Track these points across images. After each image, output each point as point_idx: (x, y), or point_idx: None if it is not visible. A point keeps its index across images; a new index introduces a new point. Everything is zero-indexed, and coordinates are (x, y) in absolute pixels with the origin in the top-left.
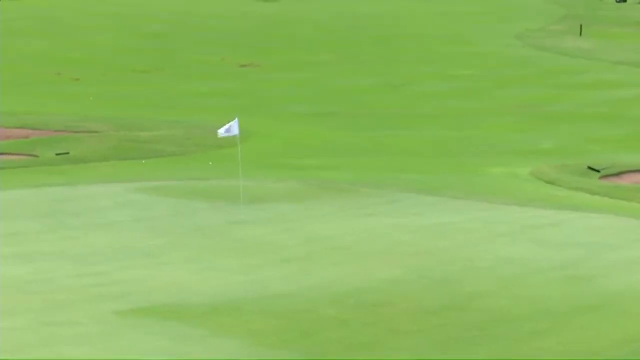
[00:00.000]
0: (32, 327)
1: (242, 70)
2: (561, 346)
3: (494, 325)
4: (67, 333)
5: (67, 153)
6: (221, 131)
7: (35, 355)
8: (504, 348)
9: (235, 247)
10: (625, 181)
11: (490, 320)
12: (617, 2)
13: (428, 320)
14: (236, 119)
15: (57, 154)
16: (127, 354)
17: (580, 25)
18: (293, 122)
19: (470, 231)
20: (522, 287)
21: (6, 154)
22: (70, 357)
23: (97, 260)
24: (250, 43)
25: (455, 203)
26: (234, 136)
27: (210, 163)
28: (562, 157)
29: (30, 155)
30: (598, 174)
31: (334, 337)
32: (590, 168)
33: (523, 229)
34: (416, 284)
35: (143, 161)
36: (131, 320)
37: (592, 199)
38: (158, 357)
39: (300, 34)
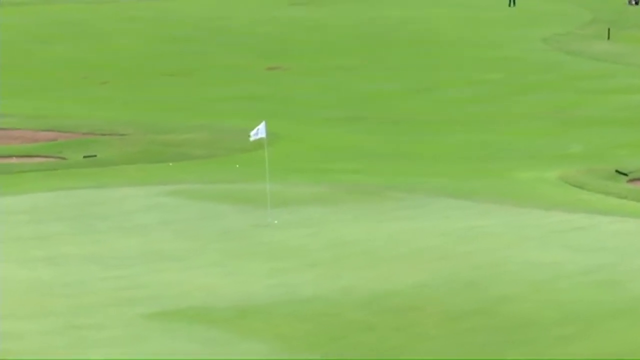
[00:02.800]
0: (59, 330)
1: (270, 73)
2: (589, 351)
3: (522, 330)
4: (94, 336)
5: (95, 156)
6: (252, 134)
7: (62, 358)
8: (532, 353)
9: (262, 251)
10: None
11: (518, 325)
12: (629, 4)
13: (455, 325)
14: (263, 122)
15: (84, 157)
16: (154, 357)
17: (608, 29)
18: (320, 126)
19: (498, 235)
20: (550, 292)
21: (34, 156)
22: None
23: (125, 264)
24: (277, 47)
25: (483, 207)
26: (262, 139)
27: (238, 166)
28: (590, 162)
29: (58, 157)
30: (626, 178)
31: (361, 342)
32: (618, 172)
33: (551, 233)
34: (443, 288)
35: (170, 164)
36: (159, 324)
37: (620, 202)
38: None
39: (328, 38)
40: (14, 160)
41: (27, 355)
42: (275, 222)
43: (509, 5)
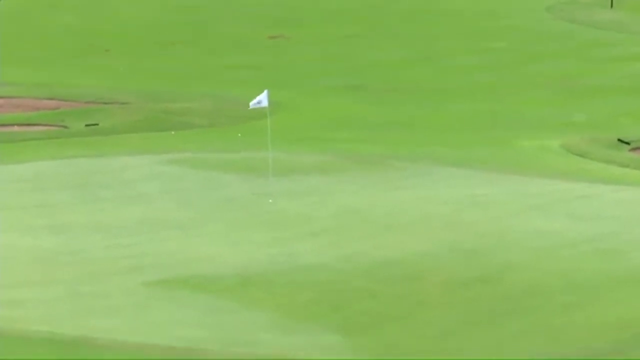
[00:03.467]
0: (63, 298)
1: (272, 42)
2: (592, 319)
3: (525, 298)
4: (97, 304)
5: (97, 124)
6: (252, 104)
7: (65, 327)
8: (535, 321)
9: (265, 220)
10: None
11: (522, 293)
12: None
13: (459, 293)
14: (266, 91)
15: (86, 125)
16: (157, 325)
17: None
18: (323, 95)
19: (501, 204)
20: (553, 260)
21: (36, 125)
22: (100, 328)
23: (127, 232)
24: (280, 15)
25: (487, 176)
26: (264, 108)
27: (240, 135)
28: (594, 131)
29: (60, 126)
30: (628, 147)
31: (364, 310)
32: (620, 141)
33: (555, 202)
34: (447, 256)
35: (172, 133)
36: (161, 292)
37: (622, 171)
38: (188, 329)
39: (330, 7)
40: (15, 128)
41: (31, 323)
42: (272, 190)
43: None
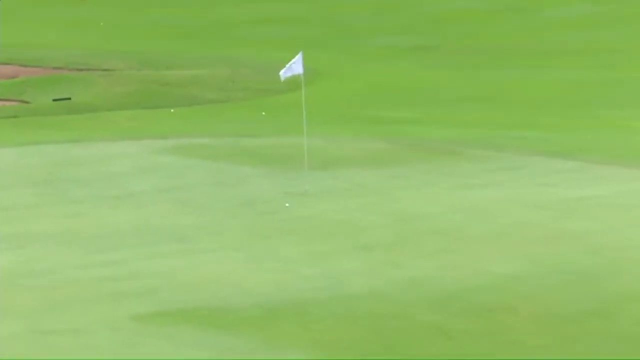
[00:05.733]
0: (25, 335)
1: None
2: None
3: None
4: (68, 344)
5: (69, 99)
6: (283, 72)
7: None
8: None
9: (297, 229)
10: None
11: None
12: None
13: (563, 331)
14: (300, 54)
15: (54, 100)
16: None
17: None
18: (375, 59)
19: (620, 209)
20: None
21: None
22: None
23: (111, 246)
24: None
25: (598, 170)
26: (297, 76)
27: (264, 114)
28: None
29: (20, 101)
30: None
31: (433, 353)
32: None
33: None
34: (546, 281)
35: (172, 110)
36: (156, 329)
37: None
38: None
39: None
40: None
41: None
42: (307, 188)
43: None
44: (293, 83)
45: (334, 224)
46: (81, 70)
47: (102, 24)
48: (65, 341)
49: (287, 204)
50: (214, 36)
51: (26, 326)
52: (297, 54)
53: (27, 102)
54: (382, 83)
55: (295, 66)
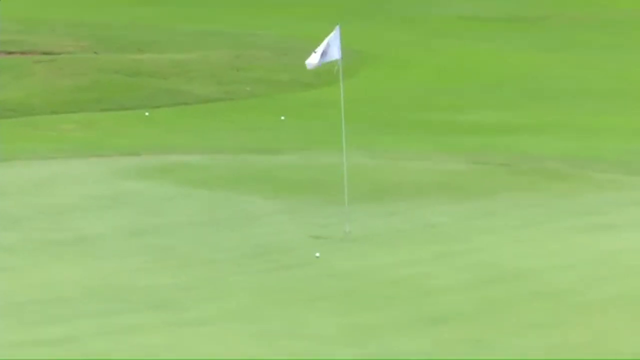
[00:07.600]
0: None
1: None
2: None
3: None
4: None
5: None
6: (310, 62)
7: None
8: None
9: (333, 291)
10: None
11: None
12: None
13: None
14: (336, 30)
15: None
16: None
17: None
18: (449, 36)
19: None
20: None
21: None
22: None
23: (56, 316)
24: None
25: None
26: (332, 63)
27: (283, 118)
28: None
29: None
30: None
31: None
32: None
33: None
34: None
35: (146, 113)
36: None
37: None
38: None
39: None
40: None
41: None
42: (347, 229)
43: None
44: (325, 73)
45: (388, 285)
46: (12, 53)
47: None
48: None
49: (317, 254)
50: (206, 4)
51: None
52: (331, 28)
53: None
54: (458, 71)
55: (329, 48)
